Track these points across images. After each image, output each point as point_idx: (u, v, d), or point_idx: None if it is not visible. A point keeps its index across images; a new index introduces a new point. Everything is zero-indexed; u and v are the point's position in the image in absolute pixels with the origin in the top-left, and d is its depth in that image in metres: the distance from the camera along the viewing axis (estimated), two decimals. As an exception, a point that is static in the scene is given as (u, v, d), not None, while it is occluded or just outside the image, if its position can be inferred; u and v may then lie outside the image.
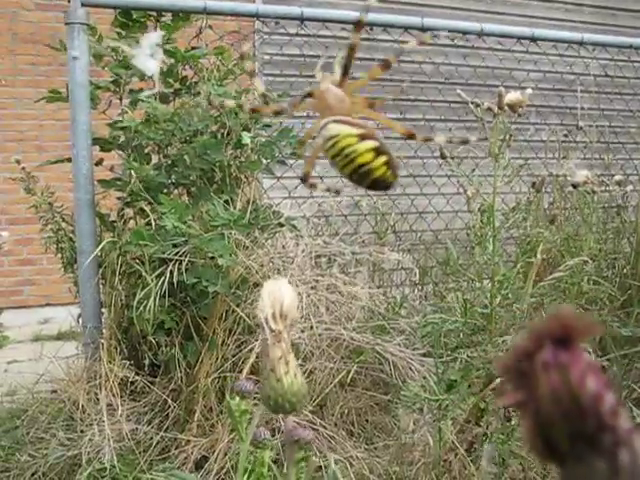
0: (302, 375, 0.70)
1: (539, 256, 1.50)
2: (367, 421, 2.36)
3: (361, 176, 0.74)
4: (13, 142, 4.46)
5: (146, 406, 2.35)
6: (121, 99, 2.54)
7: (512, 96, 1.38)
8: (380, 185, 0.75)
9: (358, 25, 0.80)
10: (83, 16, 2.39)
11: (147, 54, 0.72)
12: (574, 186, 1.85)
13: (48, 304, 4.55)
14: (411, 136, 0.80)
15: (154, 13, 2.53)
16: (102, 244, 2.34)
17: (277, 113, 0.85)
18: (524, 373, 0.32)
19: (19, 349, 3.72)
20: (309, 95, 0.81)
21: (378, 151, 0.73)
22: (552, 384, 0.31)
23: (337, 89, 0.79)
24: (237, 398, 0.94)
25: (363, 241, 2.83)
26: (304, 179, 0.88)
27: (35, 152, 4.33)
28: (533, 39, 3.12)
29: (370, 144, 0.73)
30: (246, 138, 2.29)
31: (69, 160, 2.51)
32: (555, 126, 3.94)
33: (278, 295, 0.67)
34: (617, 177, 2.35)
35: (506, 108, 1.40)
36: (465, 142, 0.86)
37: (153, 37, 0.73)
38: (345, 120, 0.75)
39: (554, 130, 3.59)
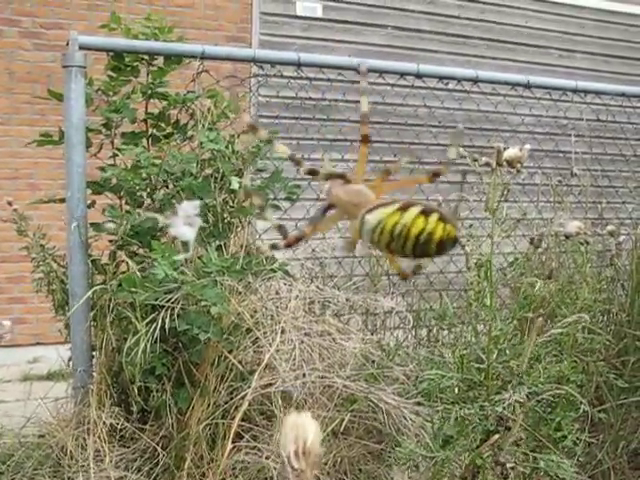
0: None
1: (539, 322, 1.49)
2: (360, 470, 2.33)
3: (424, 245, 0.70)
4: (7, 180, 4.45)
5: (135, 453, 2.30)
6: (112, 142, 2.54)
7: (511, 152, 1.38)
8: (447, 245, 0.71)
9: (364, 139, 0.79)
10: (80, 59, 2.39)
11: (183, 222, 0.72)
12: (567, 237, 1.84)
13: (38, 343, 4.50)
14: (436, 174, 0.78)
15: (146, 57, 2.54)
16: (93, 289, 2.32)
17: (297, 240, 0.83)
18: None
19: (7, 389, 3.66)
20: (328, 208, 0.79)
21: (426, 212, 0.69)
22: None
23: (348, 185, 0.76)
24: None
25: (357, 287, 2.81)
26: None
27: (29, 190, 4.32)
28: (528, 86, 3.15)
29: (414, 210, 0.70)
30: (235, 183, 2.29)
31: (62, 200, 2.50)
32: (549, 170, 3.95)
33: (301, 431, 0.62)
34: (609, 227, 2.34)
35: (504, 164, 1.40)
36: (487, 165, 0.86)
37: (189, 207, 0.74)
38: (376, 205, 0.72)
39: (548, 175, 3.60)
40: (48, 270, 2.61)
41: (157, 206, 2.40)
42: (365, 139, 0.78)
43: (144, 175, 2.30)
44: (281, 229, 0.82)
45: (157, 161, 2.36)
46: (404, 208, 0.70)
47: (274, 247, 0.86)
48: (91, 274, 2.47)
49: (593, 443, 2.22)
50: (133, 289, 2.08)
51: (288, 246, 0.82)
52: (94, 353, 2.46)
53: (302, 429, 0.62)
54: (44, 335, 4.42)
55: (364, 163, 0.79)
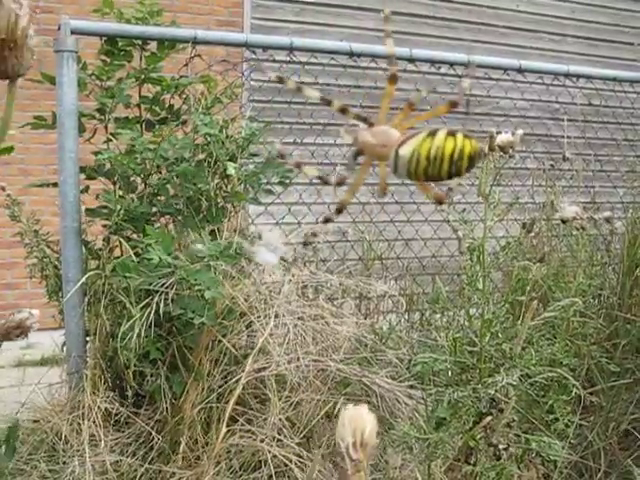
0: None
1: (533, 305, 1.50)
2: (354, 453, 2.34)
3: (458, 163, 0.74)
4: (-1, 165, 4.43)
5: (130, 437, 2.31)
6: (106, 127, 2.54)
7: (503, 137, 1.39)
8: (475, 159, 0.75)
9: (391, 79, 0.83)
10: (72, 44, 2.38)
11: (267, 250, 0.76)
12: (563, 221, 1.85)
13: (31, 329, 4.49)
14: (454, 104, 0.82)
15: (139, 42, 2.54)
16: (88, 274, 2.32)
17: (339, 184, 0.85)
18: None
19: (1, 375, 3.67)
20: (358, 154, 0.82)
21: (452, 133, 0.74)
22: None
23: (374, 128, 0.80)
24: None
25: (350, 272, 2.83)
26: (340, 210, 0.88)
27: (21, 176, 4.30)
28: (520, 70, 3.15)
29: (442, 132, 0.74)
30: (231, 169, 2.29)
31: (55, 185, 2.49)
32: (541, 154, 3.96)
33: (360, 423, 0.64)
34: (606, 214, 2.35)
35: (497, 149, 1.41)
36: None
37: (273, 236, 0.78)
38: (405, 138, 0.76)
39: (540, 159, 3.62)
40: (42, 255, 2.60)
41: (151, 192, 2.40)
42: (392, 78, 0.83)
43: (139, 160, 2.30)
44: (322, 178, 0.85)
45: (152, 146, 2.36)
46: (432, 134, 0.74)
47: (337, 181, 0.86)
48: (85, 259, 2.47)
49: (584, 425, 2.24)
50: (127, 274, 2.09)
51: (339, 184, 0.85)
52: (88, 338, 2.46)
53: (360, 421, 0.64)
54: (38, 321, 4.41)
55: (388, 102, 0.82)
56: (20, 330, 0.97)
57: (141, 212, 2.32)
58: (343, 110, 0.82)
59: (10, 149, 0.77)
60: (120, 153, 2.35)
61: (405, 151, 0.75)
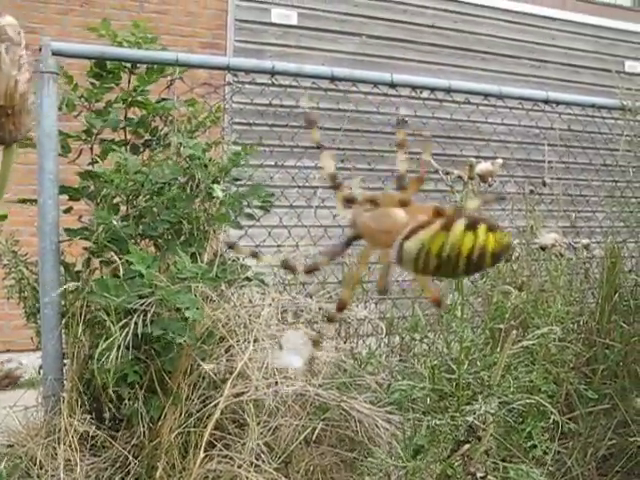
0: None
1: (513, 334, 1.50)
2: (332, 479, 2.33)
3: (479, 262, 0.61)
4: (-23, 185, 4.40)
5: (106, 462, 2.29)
6: (92, 148, 2.53)
7: (483, 166, 1.40)
8: (502, 255, 0.62)
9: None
10: (53, 65, 2.38)
11: (291, 353, 0.70)
12: (542, 248, 1.87)
13: (8, 350, 4.44)
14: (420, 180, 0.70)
15: (128, 64, 2.54)
16: (62, 288, 2.30)
17: (308, 272, 0.73)
18: None
19: (-24, 397, 3.61)
20: (354, 239, 0.70)
21: (472, 226, 0.61)
22: None
23: (373, 212, 0.67)
24: None
25: (330, 296, 2.82)
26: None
27: (-1, 195, 4.27)
28: (500, 96, 3.18)
29: (459, 226, 0.61)
30: (218, 191, 2.29)
31: (34, 202, 2.48)
32: (520, 179, 3.99)
33: None
34: (584, 241, 2.37)
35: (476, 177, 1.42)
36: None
37: (295, 337, 0.71)
38: (412, 229, 0.63)
39: (520, 184, 3.64)
40: (20, 277, 2.57)
41: (135, 214, 2.39)
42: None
43: (130, 183, 2.29)
44: (287, 263, 0.73)
45: (138, 168, 2.35)
46: (446, 226, 0.61)
47: (254, 255, 0.79)
48: (64, 281, 2.44)
49: (562, 451, 2.25)
50: (106, 293, 2.07)
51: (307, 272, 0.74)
52: (65, 361, 2.44)
53: None
54: (14, 343, 4.37)
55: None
56: (9, 380, 0.97)
57: (125, 233, 2.31)
58: (337, 186, 0.68)
59: (4, 216, 0.76)
60: (112, 171, 2.34)
61: (412, 245, 0.62)
